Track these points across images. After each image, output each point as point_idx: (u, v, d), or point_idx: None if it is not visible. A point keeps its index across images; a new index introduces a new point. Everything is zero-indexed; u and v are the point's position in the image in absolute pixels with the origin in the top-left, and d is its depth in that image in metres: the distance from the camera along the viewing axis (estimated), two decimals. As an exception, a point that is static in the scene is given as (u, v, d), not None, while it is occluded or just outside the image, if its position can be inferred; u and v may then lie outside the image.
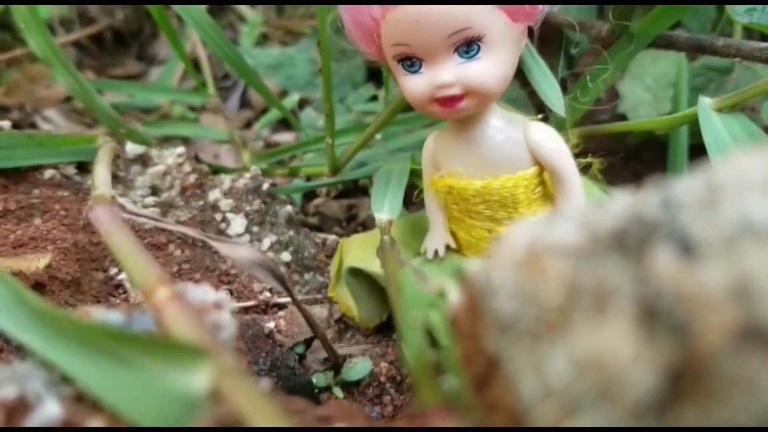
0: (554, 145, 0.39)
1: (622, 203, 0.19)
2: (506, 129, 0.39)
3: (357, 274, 0.47)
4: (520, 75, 0.45)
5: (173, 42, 0.63)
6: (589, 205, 0.39)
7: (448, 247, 0.43)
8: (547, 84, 0.44)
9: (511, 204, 0.39)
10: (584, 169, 0.41)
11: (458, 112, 0.37)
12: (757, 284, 0.15)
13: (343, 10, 0.37)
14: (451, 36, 0.34)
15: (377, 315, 0.49)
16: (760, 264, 0.15)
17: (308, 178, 0.68)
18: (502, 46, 0.36)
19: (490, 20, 0.34)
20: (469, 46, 0.35)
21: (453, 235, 0.44)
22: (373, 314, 0.49)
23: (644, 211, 0.18)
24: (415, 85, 0.37)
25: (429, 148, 0.43)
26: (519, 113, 0.43)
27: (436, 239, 0.44)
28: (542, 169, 0.40)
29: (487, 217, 0.40)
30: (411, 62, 0.36)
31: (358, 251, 0.48)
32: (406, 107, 0.48)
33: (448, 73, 0.35)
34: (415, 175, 0.51)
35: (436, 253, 0.43)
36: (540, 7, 0.36)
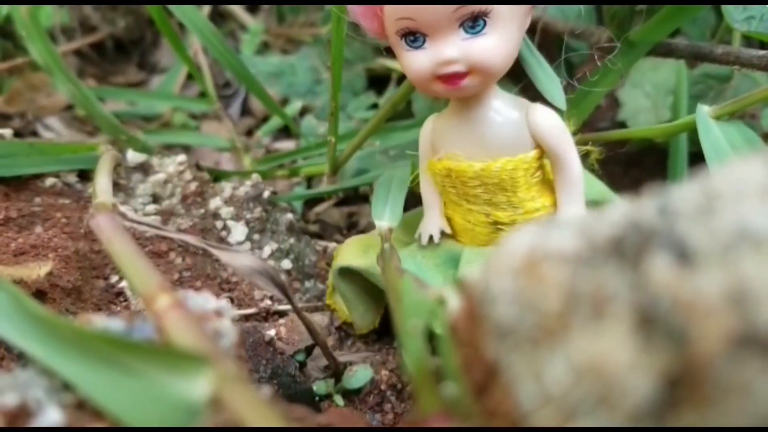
0: (555, 127, 0.38)
1: (619, 210, 0.19)
2: (507, 111, 0.38)
3: (346, 274, 0.46)
4: (512, 68, 0.45)
5: (176, 45, 0.63)
6: (588, 204, 0.40)
7: (443, 233, 0.42)
8: (546, 76, 0.43)
9: (509, 187, 0.39)
10: (583, 158, 0.41)
11: (461, 90, 0.36)
12: (753, 291, 0.15)
13: None
14: (458, 9, 0.34)
15: (370, 319, 0.48)
16: (757, 271, 0.16)
17: (309, 183, 0.68)
18: (508, 23, 0.35)
19: None
20: (475, 21, 0.34)
21: (449, 220, 0.43)
22: (365, 318, 0.48)
23: (642, 219, 0.18)
24: (417, 61, 0.36)
25: (427, 130, 0.42)
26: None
27: (431, 224, 0.42)
28: (543, 153, 0.39)
29: (485, 200, 0.40)
30: (414, 37, 0.35)
31: (348, 252, 0.47)
32: (406, 112, 0.47)
33: (453, 48, 0.35)
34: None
35: (431, 238, 0.42)
36: None
